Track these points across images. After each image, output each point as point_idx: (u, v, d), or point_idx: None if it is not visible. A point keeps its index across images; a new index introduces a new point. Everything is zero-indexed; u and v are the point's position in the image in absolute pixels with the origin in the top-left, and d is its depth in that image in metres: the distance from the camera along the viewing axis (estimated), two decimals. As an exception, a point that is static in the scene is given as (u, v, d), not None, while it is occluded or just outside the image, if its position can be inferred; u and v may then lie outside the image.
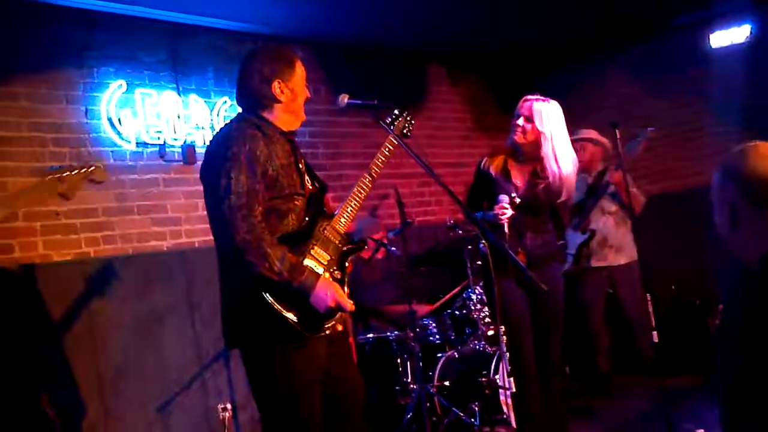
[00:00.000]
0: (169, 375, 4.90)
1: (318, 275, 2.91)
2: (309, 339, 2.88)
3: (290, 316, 2.81)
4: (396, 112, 3.55)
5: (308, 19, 5.79)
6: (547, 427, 4.28)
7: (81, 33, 4.86)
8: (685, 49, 7.20)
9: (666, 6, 6.47)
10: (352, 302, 2.97)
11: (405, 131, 3.56)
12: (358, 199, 3.19)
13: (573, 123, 7.19)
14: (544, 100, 4.23)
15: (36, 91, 4.64)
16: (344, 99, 3.39)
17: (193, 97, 5.38)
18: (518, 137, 4.23)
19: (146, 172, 5.09)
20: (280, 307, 2.80)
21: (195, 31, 5.49)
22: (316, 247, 3.00)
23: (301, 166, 3.09)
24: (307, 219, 3.01)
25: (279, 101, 3.06)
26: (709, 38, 7.00)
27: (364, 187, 3.22)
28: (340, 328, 3.08)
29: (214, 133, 3.18)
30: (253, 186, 2.82)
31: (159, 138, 5.14)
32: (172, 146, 5.22)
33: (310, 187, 3.11)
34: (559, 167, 4.15)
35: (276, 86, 3.04)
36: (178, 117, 5.25)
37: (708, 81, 7.01)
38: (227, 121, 3.20)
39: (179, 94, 5.31)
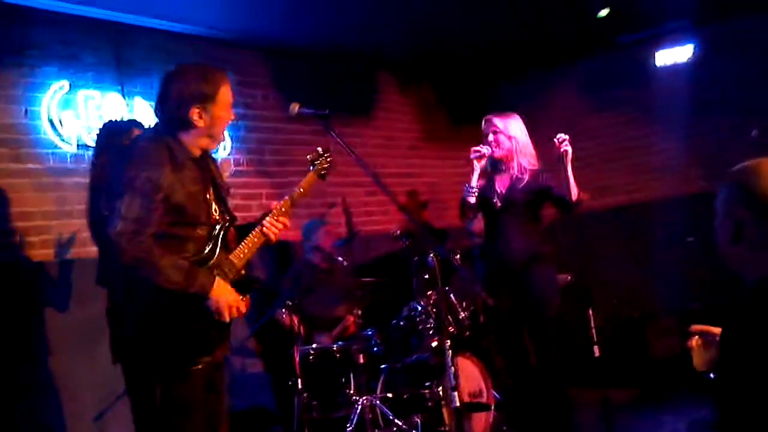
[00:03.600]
0: (106, 384, 4.76)
1: (213, 277, 2.94)
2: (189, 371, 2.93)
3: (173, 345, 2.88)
4: (319, 149, 3.57)
5: (257, 24, 5.74)
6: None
7: (21, 30, 4.72)
8: (631, 66, 7.34)
9: (612, 23, 6.56)
10: (245, 305, 3.04)
11: (323, 173, 3.54)
12: (260, 236, 3.17)
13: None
14: (501, 114, 4.69)
15: (-26, 90, 4.51)
16: (295, 108, 3.39)
17: (138, 100, 5.27)
18: (494, 151, 4.62)
19: (87, 175, 4.96)
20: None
21: (140, 32, 5.39)
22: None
23: (209, 195, 3.06)
24: (207, 249, 3.01)
25: (196, 127, 2.99)
26: (654, 56, 7.14)
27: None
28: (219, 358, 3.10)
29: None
30: (145, 211, 2.80)
31: (101, 141, 5.02)
32: (116, 149, 5.11)
33: (217, 217, 3.08)
34: (529, 163, 4.64)
35: (194, 112, 2.96)
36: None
37: (652, 99, 7.15)
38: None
39: (124, 97, 5.20)
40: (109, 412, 4.73)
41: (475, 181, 4.58)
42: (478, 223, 5.58)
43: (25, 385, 4.44)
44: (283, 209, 3.25)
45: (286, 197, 3.31)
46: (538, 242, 4.60)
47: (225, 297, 2.93)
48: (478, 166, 4.59)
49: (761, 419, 1.61)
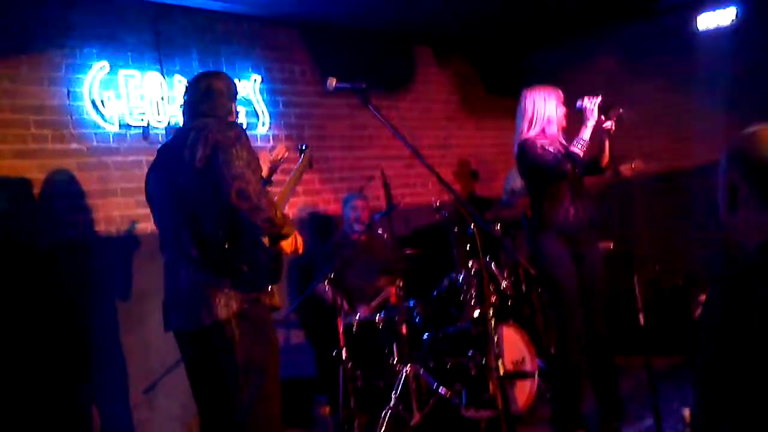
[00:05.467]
0: (153, 357, 4.87)
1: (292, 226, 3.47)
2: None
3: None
4: (302, 147, 4.33)
5: (294, 0, 5.74)
6: (599, 398, 4.59)
7: (62, 12, 4.79)
8: (671, 30, 7.20)
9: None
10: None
11: (311, 162, 4.34)
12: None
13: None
14: None
15: (17, 72, 4.57)
16: (332, 82, 3.43)
17: (177, 78, 5.32)
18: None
19: (130, 154, 5.04)
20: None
21: (179, 10, 5.42)
22: None
23: None
24: None
25: (235, 117, 3.61)
26: (695, 20, 6.99)
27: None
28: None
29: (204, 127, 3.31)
30: (257, 169, 3.28)
31: (143, 120, 5.09)
32: (156, 128, 5.17)
33: None
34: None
35: (233, 106, 3.58)
36: (162, 98, 5.20)
37: (694, 63, 7.02)
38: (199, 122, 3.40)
39: (163, 75, 5.25)
40: (159, 384, 4.86)
41: (587, 135, 4.32)
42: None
43: (81, 361, 4.56)
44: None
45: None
46: (597, 210, 4.59)
47: (296, 241, 3.47)
48: (593, 118, 4.33)
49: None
